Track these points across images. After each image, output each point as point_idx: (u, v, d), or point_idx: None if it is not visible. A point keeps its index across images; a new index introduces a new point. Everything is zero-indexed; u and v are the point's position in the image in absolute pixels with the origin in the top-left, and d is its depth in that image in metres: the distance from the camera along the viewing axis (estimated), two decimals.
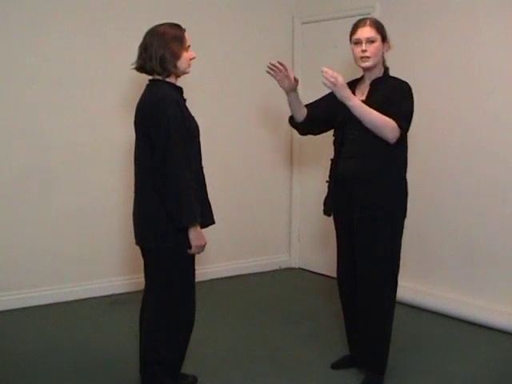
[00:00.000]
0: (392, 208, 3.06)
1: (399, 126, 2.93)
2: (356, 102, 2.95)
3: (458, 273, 4.21)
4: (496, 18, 3.92)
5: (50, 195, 4.36)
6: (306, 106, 3.29)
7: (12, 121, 4.20)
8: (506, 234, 3.94)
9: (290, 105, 3.25)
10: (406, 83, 3.07)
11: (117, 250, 4.60)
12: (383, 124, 2.92)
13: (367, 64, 3.04)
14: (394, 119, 2.92)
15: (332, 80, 2.91)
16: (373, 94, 3.06)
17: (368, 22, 3.03)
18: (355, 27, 3.06)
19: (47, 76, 4.28)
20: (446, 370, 3.37)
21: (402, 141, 3.01)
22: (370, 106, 3.00)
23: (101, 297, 4.54)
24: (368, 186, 3.01)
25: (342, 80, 2.93)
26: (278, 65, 3.11)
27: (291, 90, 3.18)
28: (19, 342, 3.72)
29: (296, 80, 3.16)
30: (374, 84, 3.08)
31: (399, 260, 3.14)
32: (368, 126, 2.94)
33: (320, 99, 3.30)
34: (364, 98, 3.08)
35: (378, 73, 3.09)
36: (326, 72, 2.92)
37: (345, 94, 2.94)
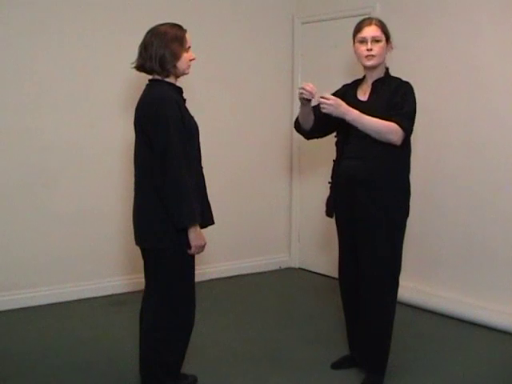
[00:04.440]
0: (395, 209, 3.05)
1: (402, 127, 2.93)
2: (354, 115, 2.94)
3: (458, 273, 4.21)
4: (496, 17, 3.92)
5: (49, 195, 4.35)
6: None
7: (12, 121, 4.19)
8: (506, 234, 3.93)
9: (303, 114, 3.19)
10: (408, 83, 3.07)
11: (117, 250, 4.60)
12: (385, 129, 2.93)
13: (372, 62, 3.04)
14: (396, 121, 2.92)
15: (330, 102, 2.91)
16: (375, 95, 3.06)
17: (374, 22, 3.04)
18: (360, 25, 3.05)
19: (47, 76, 4.27)
20: (446, 369, 3.38)
21: (406, 142, 3.02)
22: (373, 107, 3.00)
23: (101, 297, 4.54)
24: (371, 187, 3.01)
25: (336, 99, 2.93)
26: (308, 88, 3.00)
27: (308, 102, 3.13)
28: (19, 342, 3.72)
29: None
30: (376, 84, 3.08)
31: (401, 261, 3.14)
32: (371, 133, 2.94)
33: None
34: (366, 98, 3.08)
35: (379, 73, 3.09)
36: (323, 97, 2.92)
37: (342, 110, 2.94)
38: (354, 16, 4.61)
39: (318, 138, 3.33)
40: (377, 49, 3.01)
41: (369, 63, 3.05)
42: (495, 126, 3.96)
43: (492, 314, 3.93)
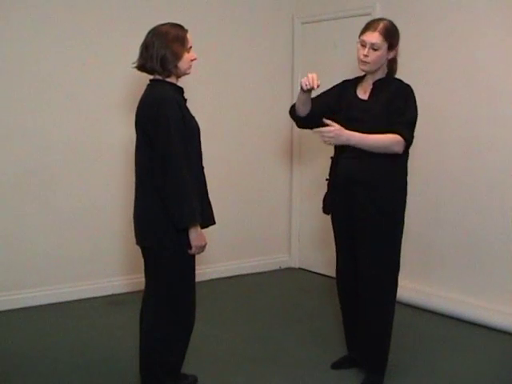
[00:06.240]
0: (394, 209, 3.06)
1: (404, 137, 2.93)
2: (357, 139, 2.94)
3: (459, 273, 4.21)
4: (497, 17, 3.92)
5: (50, 195, 4.35)
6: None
7: (12, 121, 4.19)
8: (507, 234, 3.93)
9: (300, 100, 3.15)
10: (409, 86, 3.06)
11: (117, 250, 4.60)
12: (388, 144, 2.93)
13: (365, 68, 3.04)
14: (397, 131, 2.92)
15: (331, 135, 2.90)
16: (375, 95, 3.05)
17: (379, 28, 2.97)
18: (366, 28, 3.02)
19: (47, 75, 4.27)
20: (446, 369, 3.38)
21: None
22: (372, 106, 3.01)
23: (101, 297, 4.54)
24: (370, 187, 3.01)
25: (334, 129, 2.91)
26: (309, 79, 3.00)
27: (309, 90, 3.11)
28: (19, 342, 3.72)
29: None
30: (377, 84, 3.07)
31: (399, 260, 3.15)
32: (375, 151, 2.94)
33: (321, 95, 3.27)
34: (366, 97, 3.08)
35: (381, 74, 3.08)
36: (321, 131, 2.91)
37: (343, 139, 2.93)
38: (353, 16, 4.62)
39: (309, 128, 3.29)
40: (373, 56, 2.98)
41: (362, 67, 3.05)
42: (496, 127, 3.96)
43: (492, 314, 3.93)
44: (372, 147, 2.95)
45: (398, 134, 2.93)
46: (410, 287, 4.35)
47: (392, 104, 2.98)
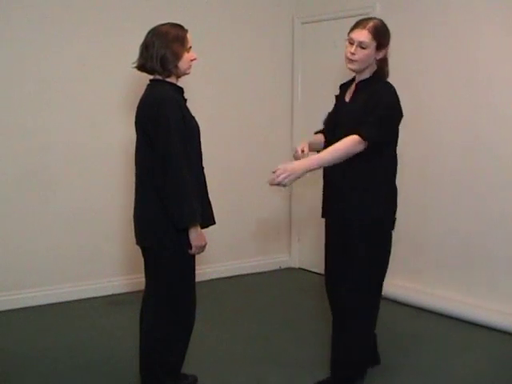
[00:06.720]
0: (384, 211, 2.97)
1: (362, 136, 2.80)
2: (316, 161, 2.83)
3: (456, 272, 4.21)
4: (496, 18, 3.92)
5: (50, 195, 4.36)
6: (323, 131, 3.21)
7: (12, 121, 4.20)
8: (506, 234, 3.94)
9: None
10: (387, 86, 2.95)
11: (117, 250, 4.60)
12: (345, 150, 2.80)
13: (351, 67, 2.95)
14: (357, 129, 2.81)
15: (283, 176, 2.77)
16: (356, 97, 2.99)
17: (368, 26, 2.88)
18: (355, 25, 2.94)
19: (48, 75, 4.28)
20: (445, 369, 3.38)
21: (390, 146, 2.96)
22: (351, 109, 2.95)
23: (101, 297, 4.54)
24: (357, 190, 2.94)
25: (284, 167, 2.80)
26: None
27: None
28: (19, 342, 3.72)
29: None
30: (360, 86, 3.00)
31: (381, 271, 3.03)
32: (340, 161, 2.83)
33: (327, 118, 3.21)
34: (348, 99, 3.04)
35: (367, 74, 2.98)
36: (274, 179, 2.78)
37: (301, 170, 2.81)
38: (353, 16, 4.60)
39: None
40: (360, 55, 2.88)
41: (348, 65, 2.96)
42: (493, 128, 3.96)
43: (492, 314, 3.93)
44: (333, 161, 2.82)
45: (356, 133, 2.80)
46: (409, 287, 4.35)
47: (366, 105, 2.88)
